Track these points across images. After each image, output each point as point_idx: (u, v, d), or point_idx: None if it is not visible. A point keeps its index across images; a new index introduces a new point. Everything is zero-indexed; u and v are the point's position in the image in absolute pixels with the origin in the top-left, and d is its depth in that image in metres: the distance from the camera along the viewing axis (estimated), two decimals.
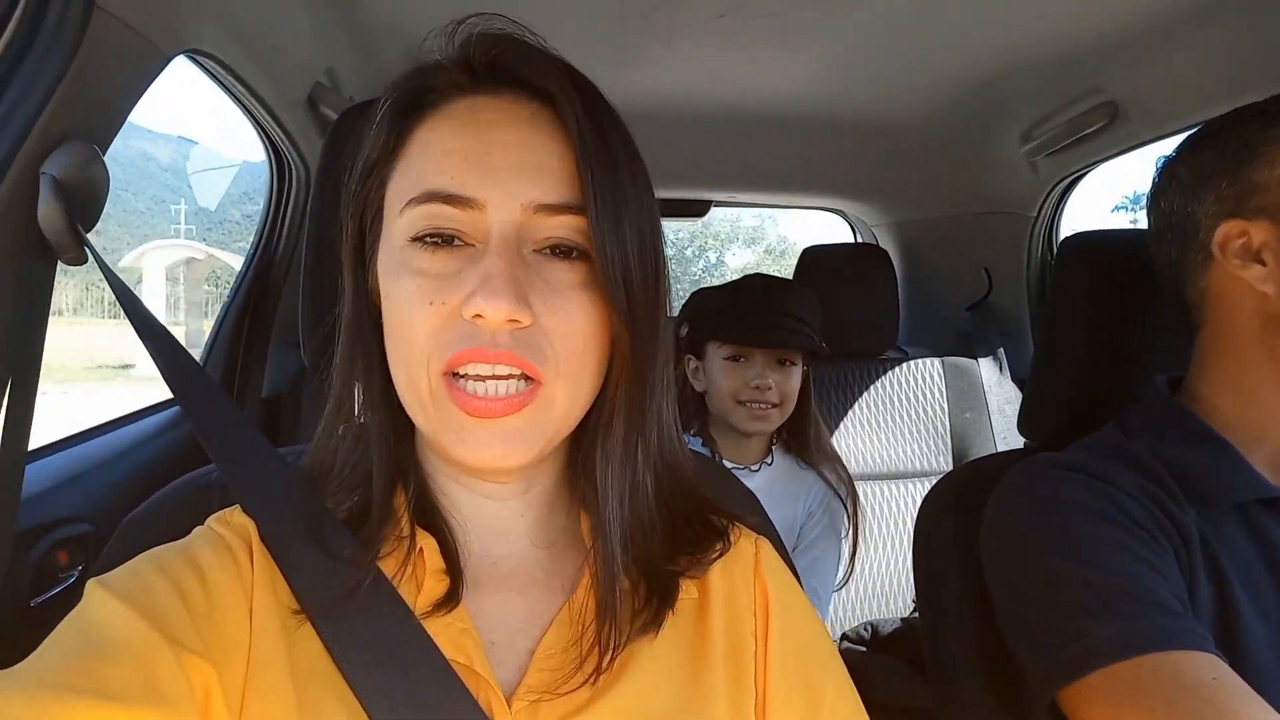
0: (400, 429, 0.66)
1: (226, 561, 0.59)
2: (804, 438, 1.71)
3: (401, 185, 0.60)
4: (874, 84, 1.73)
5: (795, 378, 1.63)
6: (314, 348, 0.79)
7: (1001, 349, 2.18)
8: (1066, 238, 1.17)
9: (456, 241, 0.58)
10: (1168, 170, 0.97)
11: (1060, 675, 0.77)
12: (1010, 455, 1.16)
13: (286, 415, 1.81)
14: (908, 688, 1.52)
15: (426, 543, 0.63)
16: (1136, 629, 0.74)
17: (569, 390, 0.59)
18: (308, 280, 0.82)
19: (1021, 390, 2.04)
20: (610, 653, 0.60)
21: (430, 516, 0.65)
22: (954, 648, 1.01)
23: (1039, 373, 1.14)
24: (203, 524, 0.63)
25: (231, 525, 0.62)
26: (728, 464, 1.64)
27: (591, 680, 0.59)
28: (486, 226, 0.57)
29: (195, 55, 1.20)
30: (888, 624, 1.78)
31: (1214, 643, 0.75)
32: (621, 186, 0.59)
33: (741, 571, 0.69)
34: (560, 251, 0.59)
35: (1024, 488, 0.92)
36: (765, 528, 0.79)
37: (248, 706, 0.54)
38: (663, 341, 0.63)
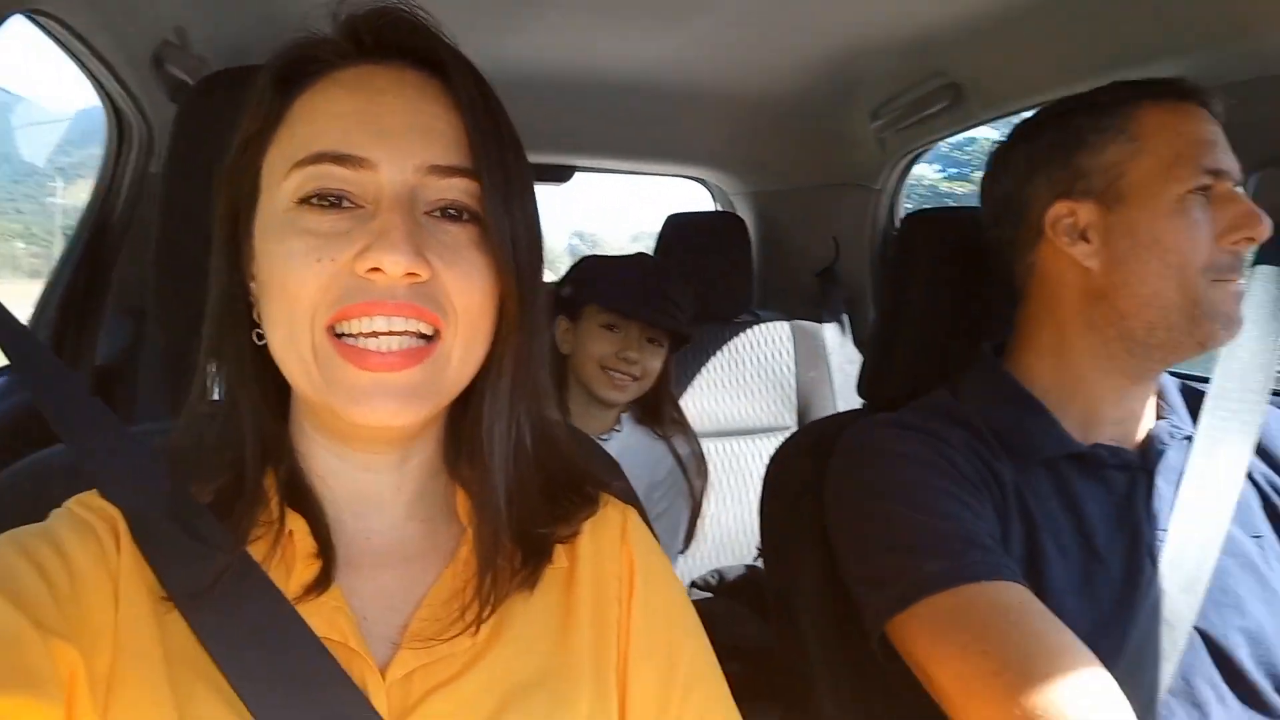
0: (271, 406, 0.65)
1: (91, 545, 0.57)
2: (658, 412, 1.78)
3: (285, 150, 0.60)
4: (739, 58, 1.78)
5: (660, 358, 1.70)
6: (173, 326, 0.76)
7: (845, 314, 2.30)
8: (910, 213, 1.25)
9: (345, 203, 0.58)
10: (1001, 155, 1.06)
11: (892, 606, 0.85)
12: (853, 414, 1.25)
13: (120, 388, 1.69)
14: (751, 630, 1.62)
15: (297, 525, 0.62)
16: (958, 564, 0.83)
17: (464, 349, 0.60)
18: (163, 257, 0.78)
19: (861, 353, 2.18)
20: (491, 604, 0.62)
21: (302, 496, 0.64)
22: (797, 589, 1.08)
23: (879, 339, 1.22)
24: (48, 508, 0.61)
25: (94, 508, 0.60)
26: None
27: (472, 630, 0.61)
28: (378, 186, 0.58)
29: (34, 15, 1.11)
30: (733, 571, 1.87)
31: (1021, 576, 0.84)
32: (508, 156, 0.61)
33: (610, 539, 0.71)
34: (451, 214, 0.60)
35: (864, 443, 1.00)
36: (629, 494, 0.83)
37: (116, 693, 0.54)
38: (543, 308, 0.65)
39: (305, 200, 0.58)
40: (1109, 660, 0.77)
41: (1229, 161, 0.94)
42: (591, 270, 1.73)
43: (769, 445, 2.04)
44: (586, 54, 1.77)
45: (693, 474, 1.76)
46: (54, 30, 1.24)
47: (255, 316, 0.62)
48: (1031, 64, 1.57)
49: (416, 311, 0.57)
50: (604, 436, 1.70)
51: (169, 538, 0.58)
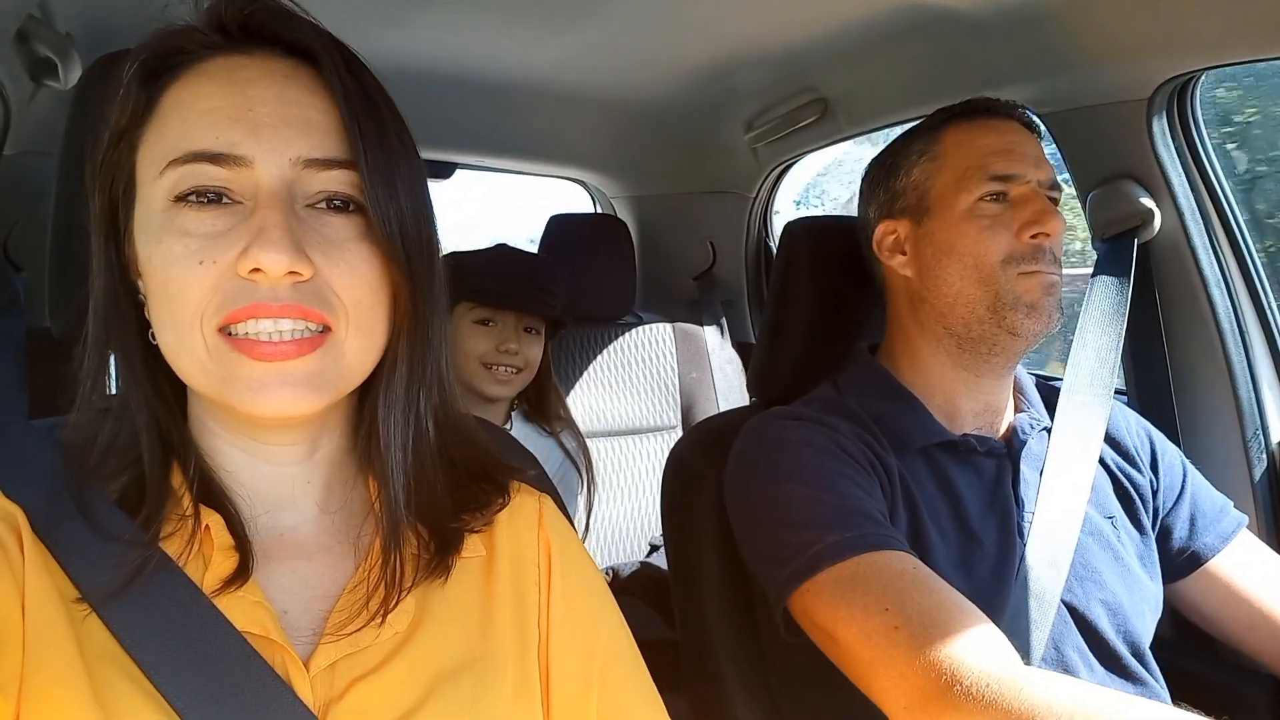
0: (168, 402, 0.64)
1: None
2: (545, 406, 1.80)
3: (157, 148, 0.58)
4: (623, 65, 1.83)
5: (538, 346, 1.71)
6: (66, 322, 0.75)
7: (723, 316, 2.39)
8: (791, 221, 1.32)
9: (224, 200, 0.57)
10: (861, 182, 1.19)
11: (796, 578, 0.91)
12: (744, 410, 1.31)
13: None
14: (647, 624, 1.66)
15: (212, 519, 0.61)
16: (855, 535, 0.90)
17: (360, 343, 0.60)
18: (56, 252, 0.76)
19: (738, 353, 2.27)
20: (397, 591, 0.62)
21: (213, 492, 0.63)
22: (701, 579, 1.14)
23: (767, 340, 1.29)
24: None
25: None
26: None
27: (379, 618, 0.61)
28: (255, 183, 0.57)
29: None
30: (626, 567, 1.91)
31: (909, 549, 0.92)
32: (390, 141, 0.60)
33: (526, 527, 0.73)
34: (334, 206, 0.59)
35: (763, 433, 1.07)
36: (544, 482, 0.85)
37: (29, 692, 0.53)
38: (439, 296, 0.65)
39: (182, 198, 0.56)
40: None
41: (1022, 166, 1.04)
42: (458, 267, 1.68)
43: (655, 444, 2.11)
44: (476, 53, 1.77)
45: (582, 467, 1.79)
46: None
47: (146, 314, 0.61)
48: (893, 85, 1.70)
49: (302, 312, 0.56)
50: None
51: (79, 536, 0.57)
